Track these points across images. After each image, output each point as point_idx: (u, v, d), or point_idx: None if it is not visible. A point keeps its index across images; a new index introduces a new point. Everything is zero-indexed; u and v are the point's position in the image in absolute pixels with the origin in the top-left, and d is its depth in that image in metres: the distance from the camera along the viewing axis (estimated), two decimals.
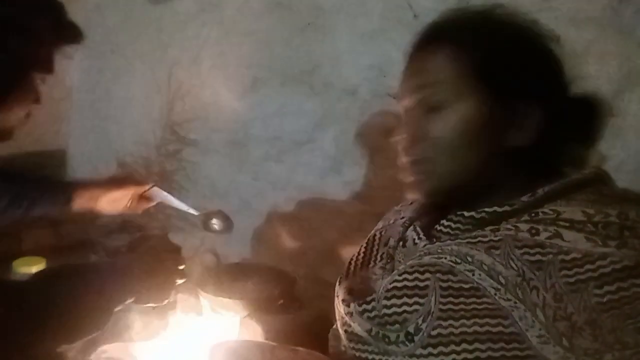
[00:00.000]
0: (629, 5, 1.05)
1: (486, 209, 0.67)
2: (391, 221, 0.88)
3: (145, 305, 0.92)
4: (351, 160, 1.52)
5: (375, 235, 0.88)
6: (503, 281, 0.59)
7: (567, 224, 0.59)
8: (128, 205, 1.33)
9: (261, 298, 1.27)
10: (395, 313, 0.66)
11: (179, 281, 0.97)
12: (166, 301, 0.94)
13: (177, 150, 2.00)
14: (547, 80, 0.70)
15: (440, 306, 0.62)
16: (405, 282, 0.66)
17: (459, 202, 0.71)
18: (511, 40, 0.70)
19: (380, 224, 0.92)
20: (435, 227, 0.75)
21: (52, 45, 1.01)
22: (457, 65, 0.68)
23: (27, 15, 0.94)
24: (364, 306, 0.69)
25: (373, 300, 0.69)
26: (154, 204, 1.34)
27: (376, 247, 0.85)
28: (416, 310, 0.63)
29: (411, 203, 0.87)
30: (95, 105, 2.36)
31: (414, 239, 0.76)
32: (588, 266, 0.55)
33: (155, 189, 1.31)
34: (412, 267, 0.67)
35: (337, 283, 0.81)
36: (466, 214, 0.69)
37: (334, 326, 0.82)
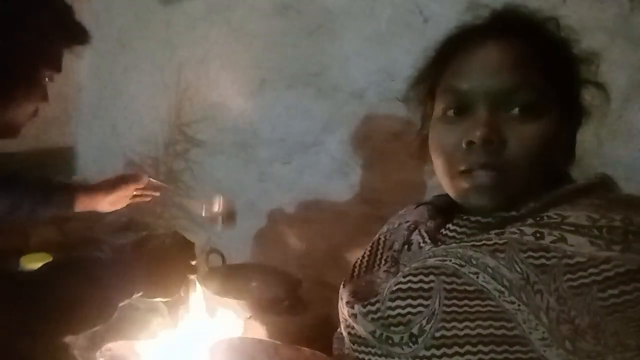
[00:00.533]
0: (639, 15, 1.05)
1: (493, 214, 0.68)
2: (396, 225, 0.88)
3: (154, 300, 0.92)
4: (357, 163, 1.53)
5: (379, 239, 0.88)
6: (507, 284, 0.59)
7: (572, 228, 0.59)
8: (129, 202, 1.36)
9: (265, 299, 1.28)
10: (399, 314, 0.66)
11: (191, 276, 0.98)
12: (176, 296, 0.94)
13: (184, 150, 2.01)
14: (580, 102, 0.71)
15: (445, 308, 0.62)
16: (410, 284, 0.66)
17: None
18: (574, 60, 0.70)
19: (384, 228, 0.92)
20: (441, 231, 0.75)
21: (60, 44, 1.03)
22: (547, 72, 0.67)
23: (35, 14, 0.95)
24: (369, 307, 0.69)
25: (377, 301, 0.69)
26: (153, 196, 1.38)
27: (381, 250, 0.85)
28: (420, 312, 0.64)
29: (416, 207, 0.87)
30: (104, 103, 2.37)
31: (419, 243, 0.76)
32: (592, 270, 0.56)
33: (153, 181, 1.36)
34: (416, 269, 0.67)
35: (342, 286, 0.81)
36: (472, 218, 0.70)
37: (339, 329, 0.82)
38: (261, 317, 1.19)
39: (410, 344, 0.63)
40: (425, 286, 0.65)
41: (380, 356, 0.67)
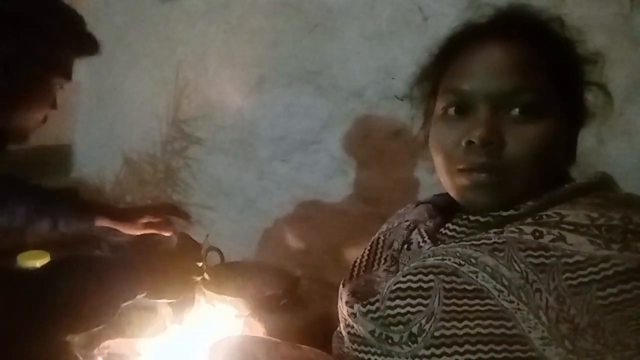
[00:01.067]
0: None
1: (492, 213, 0.68)
2: (395, 224, 0.88)
3: (159, 301, 0.91)
4: (357, 162, 1.53)
5: (379, 238, 0.88)
6: (506, 283, 0.59)
7: (571, 227, 0.60)
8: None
9: (264, 297, 1.27)
10: (398, 314, 0.66)
11: (197, 278, 0.97)
12: (182, 297, 0.94)
13: (182, 148, 2.01)
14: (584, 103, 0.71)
15: (444, 307, 0.62)
16: (409, 284, 0.66)
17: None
18: (579, 60, 0.70)
19: (384, 227, 0.92)
20: (440, 230, 0.75)
21: (71, 53, 1.05)
22: (549, 74, 0.67)
23: (49, 24, 0.98)
24: (368, 307, 0.69)
25: (377, 301, 0.69)
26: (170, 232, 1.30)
27: (380, 250, 0.85)
28: (420, 311, 0.64)
29: (415, 206, 0.87)
30: (102, 101, 2.37)
31: (419, 242, 0.76)
32: (591, 269, 0.56)
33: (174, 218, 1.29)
34: (416, 268, 0.67)
35: (341, 285, 0.81)
36: (472, 217, 0.70)
37: (338, 328, 0.82)
38: (260, 315, 1.18)
39: (410, 344, 0.63)
40: (425, 285, 0.65)
41: (379, 355, 0.67)
